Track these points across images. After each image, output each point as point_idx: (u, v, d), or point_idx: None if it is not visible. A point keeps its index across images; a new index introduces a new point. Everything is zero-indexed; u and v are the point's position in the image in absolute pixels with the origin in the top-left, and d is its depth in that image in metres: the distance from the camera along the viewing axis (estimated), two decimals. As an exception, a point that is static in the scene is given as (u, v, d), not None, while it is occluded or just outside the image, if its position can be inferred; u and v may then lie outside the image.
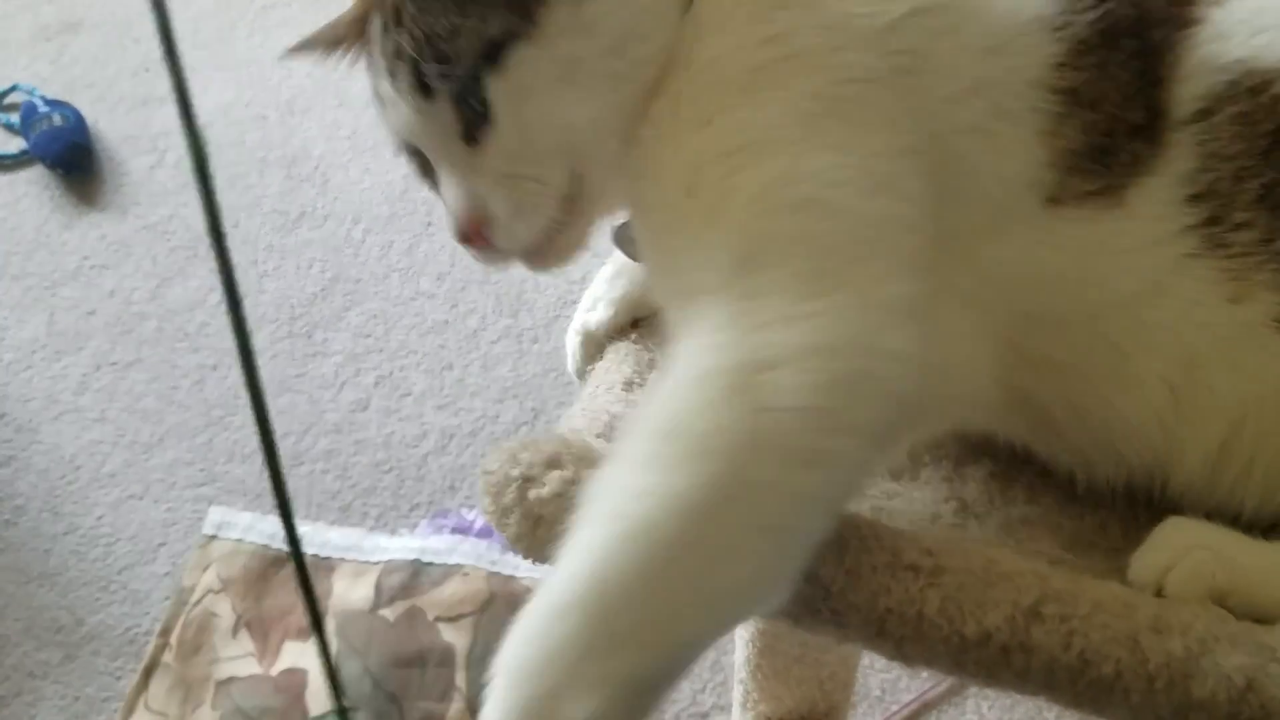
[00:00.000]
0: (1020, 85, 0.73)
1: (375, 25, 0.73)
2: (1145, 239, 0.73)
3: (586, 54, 0.69)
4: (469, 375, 1.71)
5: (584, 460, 0.62)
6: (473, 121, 0.71)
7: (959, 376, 0.74)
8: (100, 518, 1.56)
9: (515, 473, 0.60)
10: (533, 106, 0.70)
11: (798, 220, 0.64)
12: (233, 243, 2.00)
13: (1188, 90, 0.73)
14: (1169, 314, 0.74)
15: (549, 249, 0.75)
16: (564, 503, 0.60)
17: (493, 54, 0.69)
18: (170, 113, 2.23)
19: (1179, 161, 0.73)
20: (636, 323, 0.93)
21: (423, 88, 0.70)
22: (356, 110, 2.06)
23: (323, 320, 1.78)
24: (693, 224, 0.66)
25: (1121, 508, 0.78)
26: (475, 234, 0.72)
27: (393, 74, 0.72)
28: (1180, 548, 0.71)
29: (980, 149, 0.73)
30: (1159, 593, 0.69)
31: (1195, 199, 0.72)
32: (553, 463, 0.61)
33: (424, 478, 1.59)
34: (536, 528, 0.60)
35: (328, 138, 2.06)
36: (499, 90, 0.70)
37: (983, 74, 0.72)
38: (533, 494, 0.59)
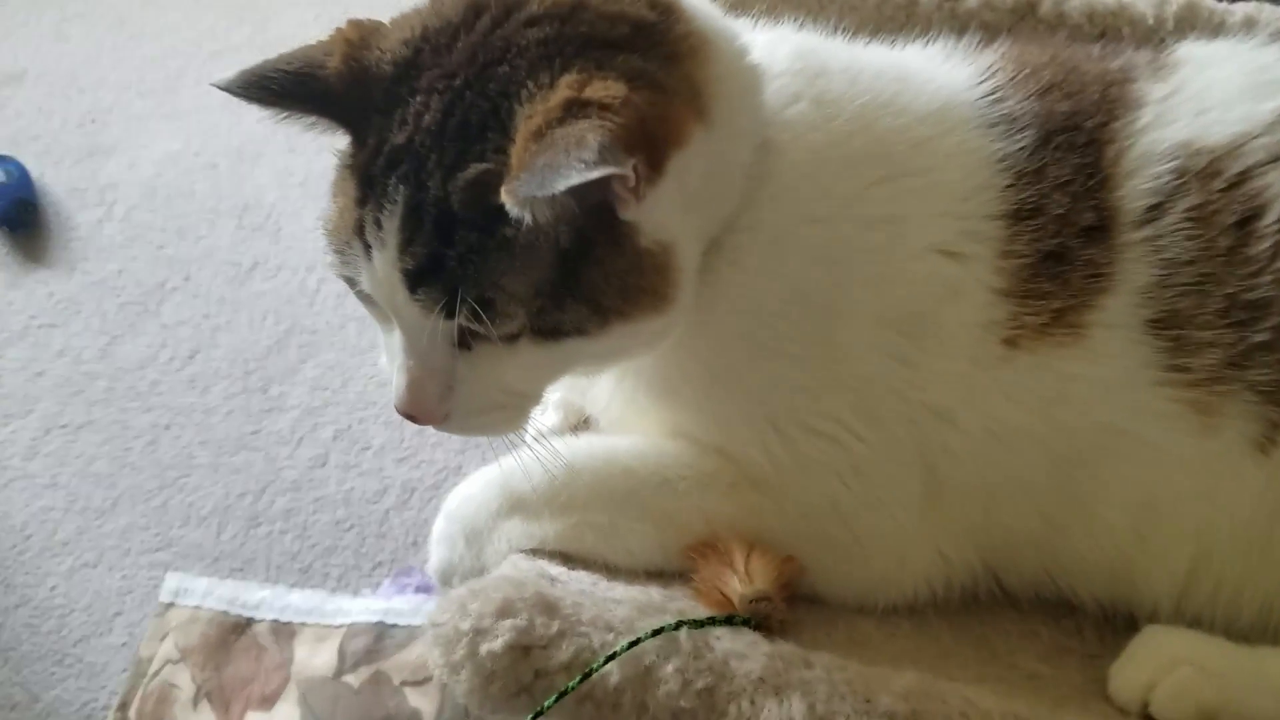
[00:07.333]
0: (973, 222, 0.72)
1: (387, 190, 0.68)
2: (1105, 382, 0.71)
3: (618, 351, 0.74)
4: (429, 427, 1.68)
5: (538, 606, 0.59)
6: (473, 337, 0.68)
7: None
8: (54, 588, 1.52)
9: (465, 625, 0.57)
10: (562, 368, 0.73)
11: None
12: (184, 296, 1.95)
13: (1135, 185, 0.70)
14: (1132, 462, 0.72)
15: None
16: (518, 654, 0.57)
17: (551, 335, 0.68)
18: (118, 164, 2.16)
19: (1135, 274, 0.70)
20: (585, 421, 0.92)
21: (449, 308, 0.66)
22: (308, 156, 2.01)
23: (278, 374, 1.74)
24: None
25: (1094, 610, 0.76)
26: (426, 420, 0.71)
27: (405, 268, 0.66)
28: (1162, 662, 0.68)
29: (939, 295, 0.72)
30: (1144, 712, 0.67)
31: (1155, 324, 0.70)
32: (504, 611, 0.58)
33: (386, 534, 1.55)
34: (490, 683, 0.57)
35: (280, 185, 2.01)
36: (536, 350, 0.69)
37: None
38: (484, 648, 0.57)
